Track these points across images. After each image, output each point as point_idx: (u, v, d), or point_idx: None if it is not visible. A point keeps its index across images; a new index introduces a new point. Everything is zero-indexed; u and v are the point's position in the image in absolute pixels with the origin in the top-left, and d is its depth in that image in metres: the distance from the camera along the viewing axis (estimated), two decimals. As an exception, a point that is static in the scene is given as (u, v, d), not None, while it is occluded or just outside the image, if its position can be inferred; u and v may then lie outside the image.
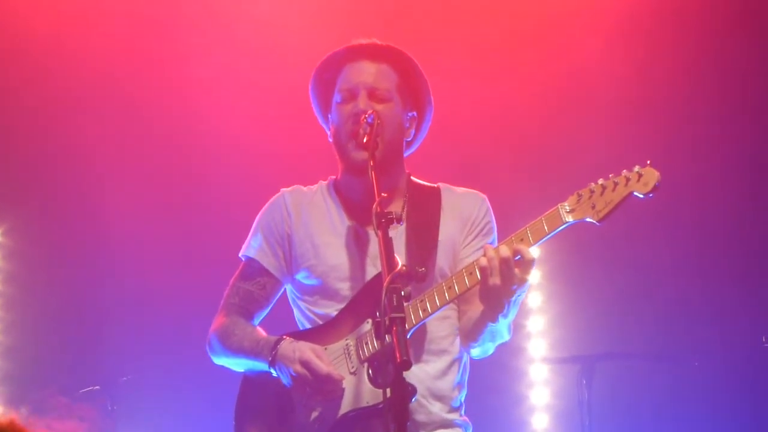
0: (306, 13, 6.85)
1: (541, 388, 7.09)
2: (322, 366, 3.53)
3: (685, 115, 6.89)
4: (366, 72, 3.79)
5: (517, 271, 3.39)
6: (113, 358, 6.61)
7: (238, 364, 3.81)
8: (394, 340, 2.96)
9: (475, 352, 3.79)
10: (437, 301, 3.51)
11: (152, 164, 6.81)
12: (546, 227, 3.41)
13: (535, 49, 6.94)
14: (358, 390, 3.56)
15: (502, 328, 3.61)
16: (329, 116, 3.89)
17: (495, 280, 3.40)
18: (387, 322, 3.00)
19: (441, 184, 3.95)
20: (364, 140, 3.59)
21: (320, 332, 3.72)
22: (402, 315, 3.00)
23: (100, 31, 6.75)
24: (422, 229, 3.78)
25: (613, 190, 3.33)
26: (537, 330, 7.09)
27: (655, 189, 3.28)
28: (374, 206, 3.31)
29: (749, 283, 6.76)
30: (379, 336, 3.10)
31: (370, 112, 3.66)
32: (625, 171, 3.34)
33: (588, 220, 3.36)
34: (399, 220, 3.31)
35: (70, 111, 6.75)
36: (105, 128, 6.73)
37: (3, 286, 6.83)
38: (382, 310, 3.03)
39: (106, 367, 6.53)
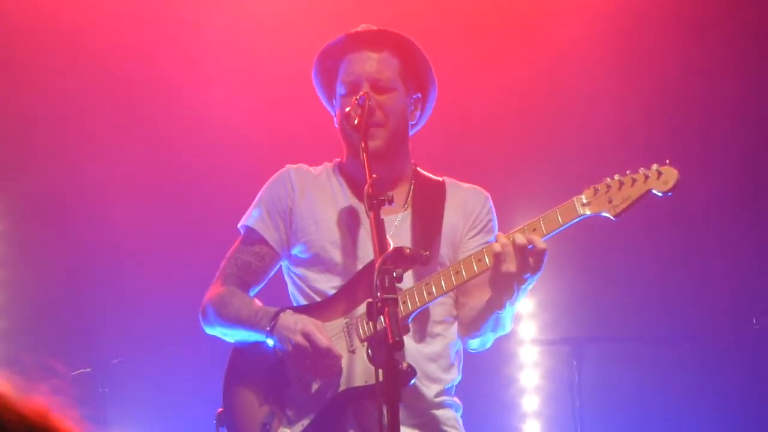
0: (306, 5, 6.83)
1: (530, 370, 7.11)
2: (324, 339, 3.53)
3: (685, 110, 6.90)
4: (368, 63, 3.79)
5: (530, 259, 3.40)
6: (104, 339, 6.61)
7: (232, 334, 3.80)
8: (386, 321, 2.98)
9: (475, 343, 3.80)
10: (443, 285, 3.53)
11: (150, 154, 6.78)
12: (560, 219, 3.42)
13: (537, 41, 6.93)
14: (355, 369, 3.57)
15: (506, 316, 3.62)
16: (334, 103, 3.91)
17: (508, 266, 3.41)
18: (379, 304, 3.01)
19: (446, 178, 3.97)
20: (356, 122, 3.59)
21: (318, 308, 3.72)
22: (394, 296, 3.02)
23: (101, 30, 6.71)
24: (427, 217, 3.79)
25: (632, 185, 3.34)
26: (526, 312, 7.11)
27: (674, 188, 3.29)
28: (366, 188, 3.32)
29: (740, 264, 6.78)
30: (371, 317, 3.11)
31: (362, 93, 3.66)
32: (642, 168, 3.35)
33: (604, 214, 3.37)
34: (390, 202, 3.32)
35: (69, 103, 6.73)
36: (102, 118, 6.70)
37: (-8, 268, 6.83)
38: (374, 290, 3.04)
39: (98, 349, 6.53)
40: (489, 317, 3.63)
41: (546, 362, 7.09)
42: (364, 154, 3.47)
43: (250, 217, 3.90)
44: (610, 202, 3.35)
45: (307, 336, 3.52)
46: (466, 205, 3.87)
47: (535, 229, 3.43)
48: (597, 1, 6.89)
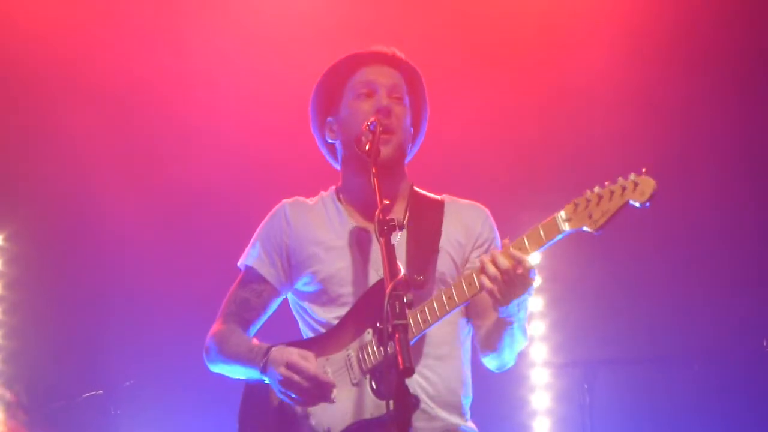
0: (310, 21, 6.86)
1: (542, 393, 7.10)
2: (309, 368, 3.50)
3: (684, 119, 6.90)
4: (386, 74, 3.82)
5: (519, 278, 3.38)
6: (116, 362, 6.62)
7: (232, 371, 3.81)
8: (397, 347, 2.96)
9: (495, 363, 3.77)
10: (437, 312, 3.50)
11: (156, 170, 6.82)
12: (543, 236, 3.37)
13: (536, 55, 6.96)
14: (361, 401, 3.55)
15: (516, 331, 3.60)
16: (331, 119, 3.89)
17: (499, 287, 3.39)
18: (390, 330, 3.00)
19: (446, 196, 3.96)
20: (366, 147, 3.59)
21: (321, 341, 3.71)
22: (405, 322, 3.00)
23: (103, 40, 6.76)
24: (423, 236, 3.77)
25: (610, 199, 3.26)
26: (538, 334, 7.10)
27: (651, 198, 3.21)
28: (377, 213, 3.31)
29: (750, 286, 6.77)
30: (381, 343, 3.09)
31: (372, 120, 3.66)
32: (620, 179, 3.26)
33: (585, 229, 3.31)
34: (401, 227, 3.31)
35: (72, 116, 6.76)
36: (110, 134, 6.74)
37: (5, 290, 6.85)
38: (385, 317, 3.02)
39: (109, 372, 6.54)
40: (503, 335, 3.61)
41: (557, 384, 7.07)
42: (375, 180, 3.46)
43: (249, 256, 3.92)
44: (590, 217, 3.28)
45: (291, 366, 3.51)
46: (466, 221, 3.86)
47: (520, 248, 3.40)
48: (610, 16, 6.92)
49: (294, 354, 3.55)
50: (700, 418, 6.75)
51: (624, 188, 3.25)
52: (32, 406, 6.48)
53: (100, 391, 6.33)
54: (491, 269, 3.38)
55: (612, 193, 3.27)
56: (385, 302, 3.03)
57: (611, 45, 6.87)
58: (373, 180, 3.47)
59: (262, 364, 3.62)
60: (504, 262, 3.37)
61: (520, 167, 6.98)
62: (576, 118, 6.94)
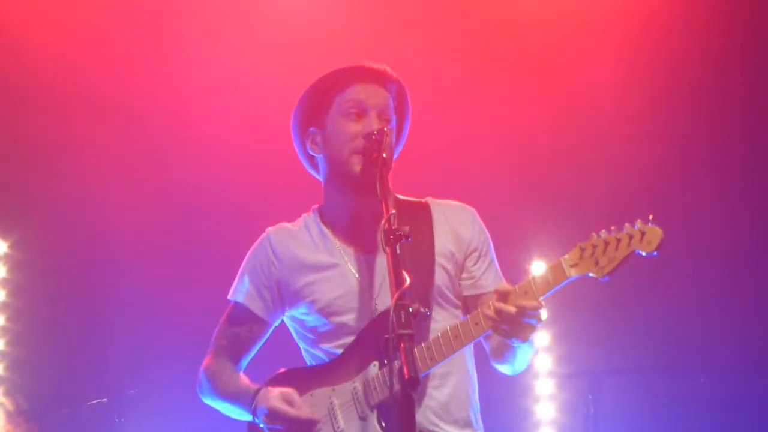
0: (318, 26, 6.88)
1: (546, 403, 7.08)
2: (289, 411, 3.53)
3: (689, 129, 6.91)
4: (377, 95, 3.76)
5: (526, 319, 3.36)
6: (120, 370, 6.63)
7: (226, 411, 3.83)
8: (402, 357, 2.96)
9: (507, 370, 3.76)
10: (444, 351, 3.47)
11: (161, 178, 6.83)
12: (551, 280, 3.38)
13: (542, 64, 6.97)
14: None
15: (527, 347, 3.58)
16: (314, 129, 3.82)
17: (506, 328, 3.38)
18: (395, 340, 3.00)
19: (429, 199, 3.92)
20: (374, 156, 3.57)
21: (325, 370, 3.69)
22: (410, 332, 3.00)
23: (108, 47, 6.78)
24: (416, 247, 3.67)
25: (616, 248, 3.28)
26: (542, 345, 7.09)
27: (659, 247, 3.23)
28: (383, 222, 3.29)
29: (758, 298, 6.76)
30: (388, 354, 3.07)
31: (378, 129, 3.65)
32: (627, 226, 3.27)
33: (591, 275, 3.33)
34: (407, 237, 3.28)
35: (78, 123, 6.78)
36: (114, 142, 6.76)
37: (10, 297, 6.85)
38: (390, 327, 3.01)
39: (114, 380, 6.54)
40: (514, 351, 3.60)
41: (562, 395, 7.06)
42: (381, 190, 3.44)
43: (237, 292, 3.90)
44: (597, 264, 3.31)
45: (275, 414, 3.54)
46: (454, 227, 3.82)
47: (527, 292, 3.39)
48: (617, 23, 6.93)
49: (274, 399, 3.56)
50: (705, 430, 6.73)
51: (631, 237, 3.27)
52: (34, 415, 6.48)
53: (105, 399, 6.33)
54: (498, 314, 3.36)
55: (618, 241, 3.29)
56: (391, 312, 3.03)
57: (619, 53, 6.88)
58: (378, 190, 3.44)
59: (251, 409, 3.64)
60: (510, 311, 3.35)
61: (528, 174, 6.98)
62: (584, 125, 6.95)
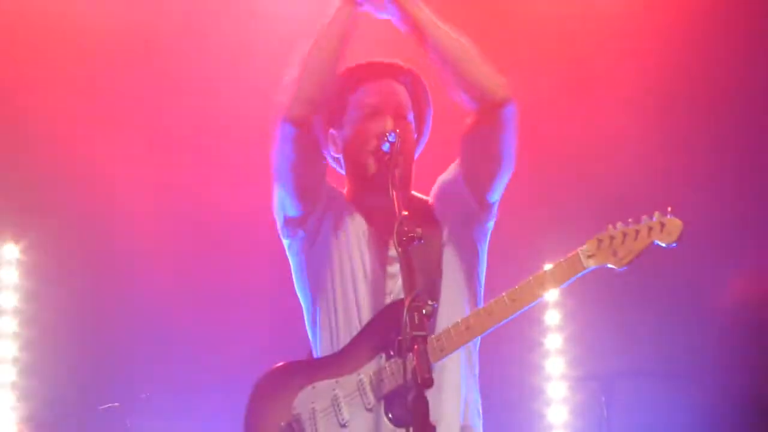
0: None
1: (559, 406, 7.07)
2: None
3: (696, 137, 6.90)
4: (391, 92, 3.78)
5: None
6: (132, 374, 6.63)
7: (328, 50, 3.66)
8: (415, 358, 2.95)
9: (473, 94, 3.69)
10: (455, 341, 3.50)
11: (175, 181, 6.81)
12: (566, 272, 3.43)
13: (554, 64, 6.96)
14: (375, 427, 3.52)
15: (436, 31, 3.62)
16: (334, 131, 3.84)
17: None
18: (408, 341, 2.99)
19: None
20: (387, 159, 3.57)
21: (330, 362, 3.67)
22: (424, 333, 2.99)
23: (111, 48, 6.77)
24: (426, 245, 3.63)
25: (635, 239, 3.35)
26: (555, 348, 7.08)
27: (679, 239, 3.30)
28: (396, 225, 3.29)
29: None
30: (401, 354, 3.07)
31: (391, 130, 3.65)
32: (645, 218, 3.35)
33: (609, 266, 3.39)
34: (420, 239, 3.28)
35: (89, 127, 6.77)
36: (128, 145, 6.75)
37: (22, 303, 6.85)
38: (404, 328, 3.01)
39: (126, 384, 6.54)
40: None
41: (574, 398, 7.05)
42: (394, 192, 3.44)
43: None
44: (615, 254, 3.38)
45: None
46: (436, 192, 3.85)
47: (542, 283, 3.43)
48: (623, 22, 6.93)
49: None
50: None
51: (650, 228, 3.32)
52: (47, 419, 6.49)
53: (117, 404, 6.33)
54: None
55: (637, 232, 3.36)
56: (404, 313, 3.02)
57: (623, 48, 6.87)
58: (391, 191, 3.44)
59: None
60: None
61: (539, 175, 6.97)
62: (597, 125, 6.94)
